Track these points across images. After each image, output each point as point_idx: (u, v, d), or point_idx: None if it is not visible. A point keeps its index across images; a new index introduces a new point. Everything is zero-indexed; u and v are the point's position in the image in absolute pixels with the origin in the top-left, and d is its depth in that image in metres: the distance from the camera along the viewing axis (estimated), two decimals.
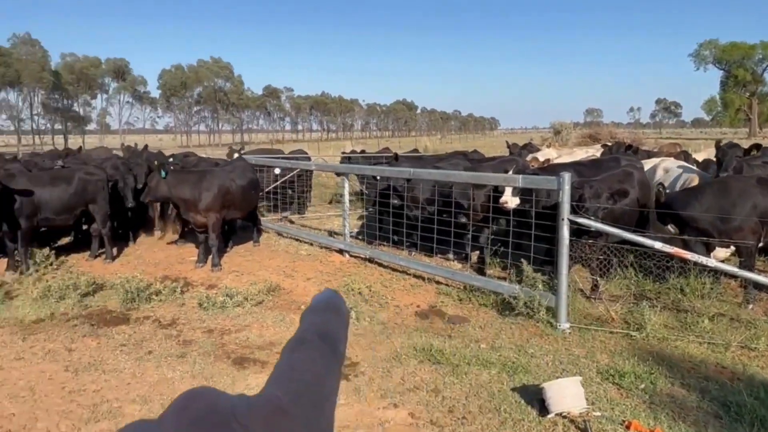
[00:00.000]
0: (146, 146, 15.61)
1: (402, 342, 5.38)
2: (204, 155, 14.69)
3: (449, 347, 5.11)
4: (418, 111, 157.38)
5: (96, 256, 8.88)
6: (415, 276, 7.61)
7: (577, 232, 5.93)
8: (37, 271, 7.72)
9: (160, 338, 5.59)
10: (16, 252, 7.96)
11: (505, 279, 6.84)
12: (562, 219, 5.58)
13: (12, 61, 64.24)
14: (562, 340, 5.32)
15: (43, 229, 8.47)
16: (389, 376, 4.67)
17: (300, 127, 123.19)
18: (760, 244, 6.24)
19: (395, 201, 8.23)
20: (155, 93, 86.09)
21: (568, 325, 5.55)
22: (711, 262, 5.50)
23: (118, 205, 9.17)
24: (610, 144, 14.84)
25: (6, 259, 8.16)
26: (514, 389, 4.33)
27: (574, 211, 5.71)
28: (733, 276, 6.23)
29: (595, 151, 14.16)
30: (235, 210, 8.71)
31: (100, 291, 7.05)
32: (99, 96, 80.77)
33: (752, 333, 5.27)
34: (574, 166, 8.22)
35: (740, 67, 68.88)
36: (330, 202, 14.53)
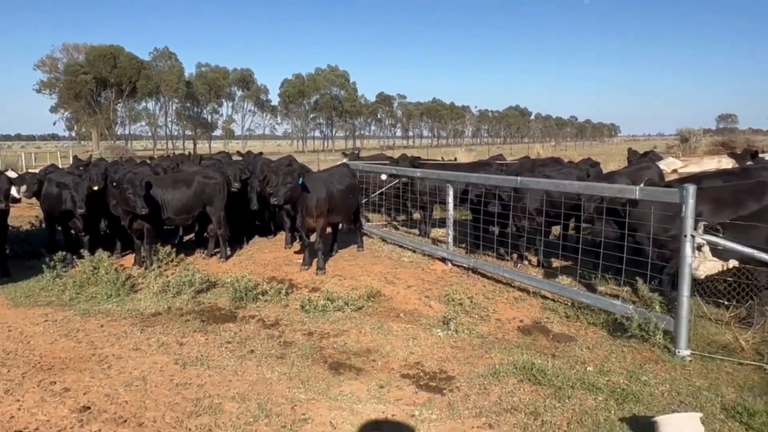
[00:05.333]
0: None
1: (502, 358, 5.15)
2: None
3: (552, 367, 4.81)
4: (532, 117, 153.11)
5: (211, 255, 9.41)
6: (519, 289, 7.31)
7: None
8: (159, 267, 8.31)
9: (262, 338, 5.77)
10: (142, 248, 8.64)
11: (617, 297, 6.36)
12: (686, 235, 5.08)
13: (152, 73, 70.68)
14: (681, 369, 4.83)
15: (165, 227, 9.14)
16: (486, 393, 4.48)
17: (411, 134, 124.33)
18: None
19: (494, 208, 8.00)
20: (275, 101, 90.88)
21: (688, 352, 5.03)
22: None
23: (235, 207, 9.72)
24: (739, 152, 13.39)
25: (135, 255, 8.88)
26: (622, 419, 3.97)
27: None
28: None
29: (729, 161, 12.86)
30: (336, 214, 8.85)
31: (213, 288, 7.43)
32: (225, 104, 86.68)
33: None
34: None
35: None
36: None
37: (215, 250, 9.45)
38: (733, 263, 5.50)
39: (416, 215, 11.70)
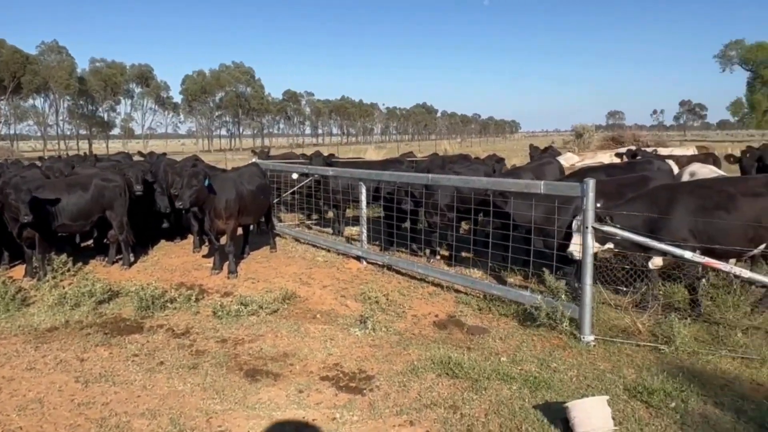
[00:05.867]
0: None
1: (419, 354, 5.20)
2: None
3: (468, 360, 4.92)
4: (438, 115, 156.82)
5: (113, 262, 8.85)
6: (433, 284, 7.43)
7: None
8: (54, 277, 7.68)
9: (172, 348, 5.49)
10: (34, 258, 7.98)
11: (526, 288, 6.62)
12: (587, 227, 5.36)
13: (40, 68, 65.46)
14: (587, 353, 5.10)
15: (60, 234, 8.48)
16: (406, 390, 4.50)
17: (320, 132, 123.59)
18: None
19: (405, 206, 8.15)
20: (178, 98, 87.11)
21: (592, 337, 5.32)
22: (745, 273, 5.22)
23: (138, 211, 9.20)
24: (623, 151, 14.42)
25: (25, 266, 8.18)
26: (536, 407, 4.13)
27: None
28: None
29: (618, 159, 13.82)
30: (247, 215, 8.62)
31: (116, 298, 6.99)
32: (123, 101, 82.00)
33: None
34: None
35: (767, 68, 66.93)
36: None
37: (117, 257, 8.90)
38: (609, 246, 5.88)
39: (329, 214, 11.63)
